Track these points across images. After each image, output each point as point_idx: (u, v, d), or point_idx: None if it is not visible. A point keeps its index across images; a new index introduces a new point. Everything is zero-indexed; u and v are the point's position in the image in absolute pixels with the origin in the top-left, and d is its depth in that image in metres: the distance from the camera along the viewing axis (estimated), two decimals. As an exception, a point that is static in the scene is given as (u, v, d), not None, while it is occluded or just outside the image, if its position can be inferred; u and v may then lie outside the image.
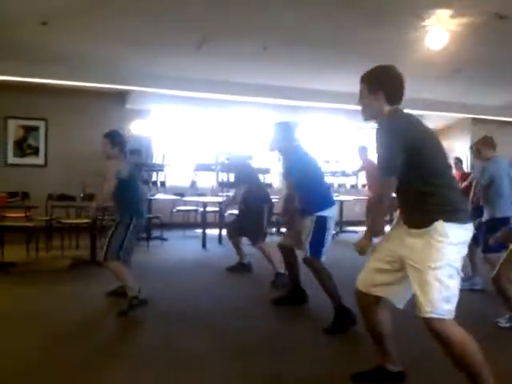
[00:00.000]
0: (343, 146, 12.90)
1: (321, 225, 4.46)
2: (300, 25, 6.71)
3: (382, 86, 2.82)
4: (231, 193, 8.02)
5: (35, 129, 10.36)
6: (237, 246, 6.64)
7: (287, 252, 4.93)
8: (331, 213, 4.58)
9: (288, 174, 4.73)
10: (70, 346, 3.78)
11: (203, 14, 6.36)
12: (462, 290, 2.66)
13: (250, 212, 6.37)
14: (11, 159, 10.24)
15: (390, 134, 2.71)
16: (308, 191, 4.56)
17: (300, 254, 4.67)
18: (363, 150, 9.36)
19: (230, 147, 9.82)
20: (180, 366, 3.41)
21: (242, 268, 6.59)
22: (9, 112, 10.03)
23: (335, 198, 10.77)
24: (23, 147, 10.34)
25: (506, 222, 5.09)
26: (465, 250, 2.68)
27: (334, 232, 10.26)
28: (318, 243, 4.44)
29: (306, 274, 4.82)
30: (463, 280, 5.15)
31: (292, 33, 7.04)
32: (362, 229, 10.01)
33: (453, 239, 2.60)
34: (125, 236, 4.72)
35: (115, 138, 5.01)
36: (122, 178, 4.80)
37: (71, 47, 7.97)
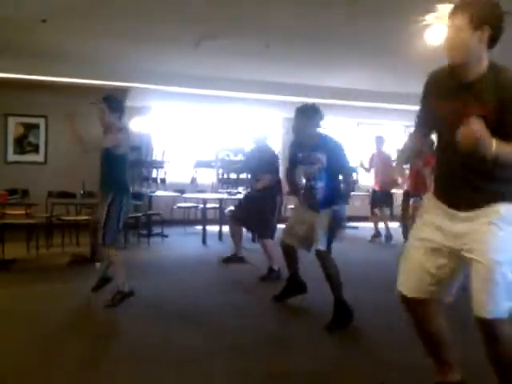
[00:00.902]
0: (343, 142, 12.87)
1: (340, 219, 4.31)
2: (301, 22, 6.70)
3: (489, 22, 2.22)
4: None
5: (35, 126, 10.36)
6: (236, 235, 6.55)
7: (289, 249, 4.66)
8: (344, 209, 4.42)
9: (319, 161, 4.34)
10: (69, 344, 3.78)
11: (204, 10, 6.36)
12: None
13: (261, 203, 6.04)
14: (11, 157, 10.24)
15: None
16: (334, 182, 4.33)
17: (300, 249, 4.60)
18: (380, 141, 9.23)
19: (231, 144, 9.84)
20: (180, 363, 3.41)
21: (236, 259, 6.59)
22: (9, 109, 10.02)
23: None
24: (23, 144, 10.34)
25: None
26: None
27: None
28: (332, 238, 4.27)
29: (304, 270, 4.82)
30: None
31: (294, 30, 7.05)
32: (362, 224, 10.05)
33: None
34: (119, 217, 4.58)
35: (114, 103, 4.68)
36: (121, 154, 4.64)
37: (71, 44, 7.97)
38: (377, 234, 9.42)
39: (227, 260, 6.66)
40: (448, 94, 2.36)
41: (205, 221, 8.83)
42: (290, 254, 4.71)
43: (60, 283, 5.53)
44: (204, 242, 8.57)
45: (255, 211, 6.09)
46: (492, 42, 2.26)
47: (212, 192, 10.15)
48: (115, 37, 7.57)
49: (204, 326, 4.23)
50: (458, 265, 2.40)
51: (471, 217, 2.30)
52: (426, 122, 2.56)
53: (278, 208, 6.23)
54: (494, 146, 2.10)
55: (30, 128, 10.35)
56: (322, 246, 4.20)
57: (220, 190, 9.87)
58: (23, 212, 7.94)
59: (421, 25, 6.63)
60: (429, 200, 2.53)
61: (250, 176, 6.73)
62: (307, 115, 4.41)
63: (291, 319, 4.48)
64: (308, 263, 4.63)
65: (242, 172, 8.67)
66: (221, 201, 9.20)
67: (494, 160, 2.14)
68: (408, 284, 2.49)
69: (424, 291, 2.46)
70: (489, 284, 2.22)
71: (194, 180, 10.62)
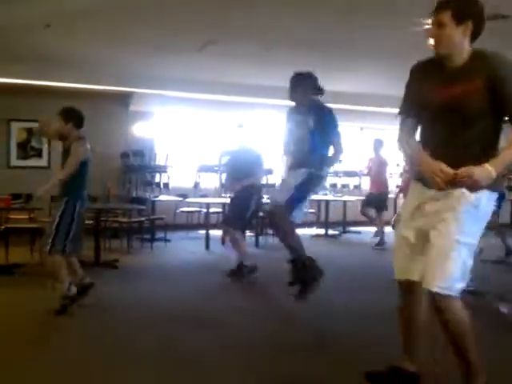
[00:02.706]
0: (346, 146, 12.87)
1: (313, 182, 4.27)
2: (303, 26, 6.71)
3: (471, 16, 2.42)
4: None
5: (39, 131, 10.37)
6: (234, 241, 6.49)
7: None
8: (327, 173, 4.47)
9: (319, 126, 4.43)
10: (74, 346, 3.79)
11: (206, 15, 6.37)
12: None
13: (239, 201, 6.28)
14: (14, 161, 10.26)
15: None
16: (320, 147, 4.36)
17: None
18: (378, 144, 9.29)
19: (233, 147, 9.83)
20: (182, 367, 3.42)
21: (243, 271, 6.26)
22: (12, 114, 10.04)
23: (339, 199, 10.86)
24: (26, 149, 10.37)
25: None
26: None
27: (337, 232, 10.11)
28: (297, 198, 4.21)
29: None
30: None
31: (296, 34, 7.05)
32: (365, 229, 10.04)
33: (481, 212, 2.45)
34: (70, 225, 4.59)
35: (68, 113, 4.83)
36: (82, 161, 4.70)
37: (75, 50, 7.99)
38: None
39: (233, 274, 6.20)
40: (435, 81, 2.54)
41: (208, 225, 8.84)
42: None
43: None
44: (207, 246, 8.58)
45: (233, 208, 6.38)
46: (474, 34, 2.46)
47: (215, 196, 10.15)
48: (118, 42, 7.59)
49: (207, 330, 4.23)
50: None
51: (445, 195, 2.43)
52: (412, 109, 2.67)
53: (255, 205, 6.32)
54: (492, 170, 2.28)
55: (33, 133, 10.37)
56: (280, 199, 4.17)
57: (223, 195, 9.87)
58: (27, 216, 7.95)
59: (424, 28, 6.65)
60: (412, 185, 2.72)
61: (231, 177, 6.70)
62: (296, 82, 4.56)
63: (297, 322, 4.47)
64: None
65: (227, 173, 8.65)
66: (224, 205, 9.20)
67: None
68: (399, 269, 2.69)
69: (409, 270, 2.62)
70: (447, 261, 2.38)
71: (197, 184, 10.65)
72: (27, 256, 7.04)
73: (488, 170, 2.27)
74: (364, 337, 4.01)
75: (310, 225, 11.24)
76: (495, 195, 2.51)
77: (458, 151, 2.46)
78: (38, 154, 10.41)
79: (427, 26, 6.55)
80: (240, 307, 4.94)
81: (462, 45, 2.46)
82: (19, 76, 9.20)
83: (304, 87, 4.52)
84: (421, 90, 2.59)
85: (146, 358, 3.54)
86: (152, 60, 8.70)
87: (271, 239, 6.94)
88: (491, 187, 2.41)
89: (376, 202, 9.13)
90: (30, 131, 10.26)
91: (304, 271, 4.15)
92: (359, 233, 10.57)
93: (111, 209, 8.77)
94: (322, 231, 10.81)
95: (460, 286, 2.43)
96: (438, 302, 2.43)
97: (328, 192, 11.37)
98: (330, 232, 10.76)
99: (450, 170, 2.33)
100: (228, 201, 8.66)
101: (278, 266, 5.86)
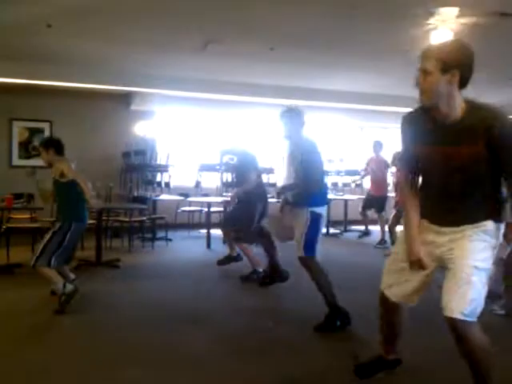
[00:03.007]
0: (347, 145, 12.89)
1: (316, 222, 4.34)
2: (305, 25, 6.71)
3: (458, 66, 2.34)
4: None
5: (40, 131, 10.38)
6: (228, 237, 6.54)
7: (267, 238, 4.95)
8: (324, 211, 4.49)
9: (296, 162, 4.44)
10: (76, 345, 3.80)
11: (208, 14, 6.37)
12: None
13: (242, 207, 6.15)
14: (16, 161, 10.27)
15: None
16: (310, 183, 4.36)
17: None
18: (378, 145, 9.34)
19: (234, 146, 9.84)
20: (183, 366, 3.43)
21: (229, 261, 6.55)
22: (14, 114, 10.05)
23: (340, 198, 10.85)
24: (28, 149, 10.37)
25: None
26: None
27: (339, 231, 10.18)
28: (312, 241, 4.33)
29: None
30: None
31: (298, 33, 7.05)
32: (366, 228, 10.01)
33: (495, 242, 2.51)
34: (61, 243, 4.77)
35: (46, 144, 5.17)
36: (65, 182, 4.93)
37: (76, 49, 8.00)
38: (366, 231, 10.02)
39: (221, 263, 6.59)
40: (429, 137, 2.49)
41: (209, 224, 8.84)
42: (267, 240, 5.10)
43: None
44: (208, 245, 8.58)
45: (235, 216, 6.25)
46: (463, 82, 2.38)
47: (216, 196, 10.15)
48: (120, 41, 7.60)
49: (208, 329, 4.24)
50: (434, 273, 2.66)
51: (457, 231, 2.51)
52: (411, 164, 2.70)
53: (260, 215, 6.11)
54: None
55: (35, 132, 10.38)
56: (301, 253, 4.30)
57: (224, 194, 9.88)
58: (28, 216, 7.96)
59: (425, 28, 6.65)
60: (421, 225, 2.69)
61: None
62: (285, 117, 4.57)
63: (296, 322, 4.47)
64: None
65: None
66: (225, 204, 9.20)
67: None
68: (395, 293, 2.79)
69: (404, 299, 2.78)
70: (466, 286, 2.41)
71: (198, 184, 10.64)
72: (28, 256, 7.03)
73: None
74: (365, 336, 4.01)
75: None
76: (502, 225, 2.55)
77: (457, 211, 2.53)
78: (40, 153, 10.40)
79: (430, 25, 6.57)
80: (241, 307, 4.95)
81: (449, 95, 2.37)
82: (21, 75, 9.20)
83: (297, 121, 4.57)
84: (414, 148, 2.60)
85: (146, 356, 3.55)
86: (153, 59, 8.70)
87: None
88: (497, 219, 2.50)
89: (375, 204, 9.24)
90: (31, 131, 10.30)
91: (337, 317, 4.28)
92: (367, 233, 10.47)
93: (112, 208, 8.77)
94: (323, 230, 10.79)
95: (478, 312, 2.45)
96: (460, 329, 2.42)
97: (329, 191, 11.36)
98: (332, 231, 10.76)
99: (426, 264, 2.58)
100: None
101: (285, 266, 5.88)
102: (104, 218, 7.87)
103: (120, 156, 10.38)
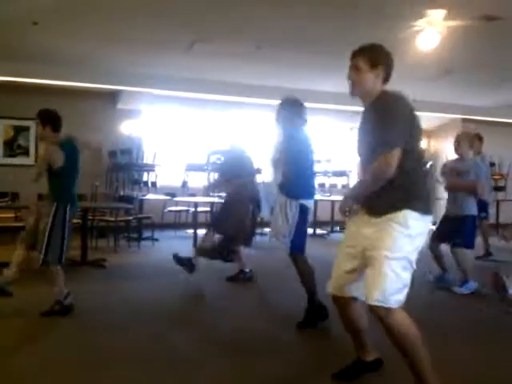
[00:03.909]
0: (335, 146, 12.91)
1: (304, 215, 4.31)
2: (292, 25, 6.72)
3: (382, 62, 2.79)
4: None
5: (25, 129, 10.31)
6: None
7: None
8: (312, 205, 4.49)
9: (287, 154, 4.43)
10: (64, 346, 3.77)
11: (195, 13, 6.36)
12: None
13: (232, 209, 5.98)
14: (1, 159, 10.19)
15: (400, 110, 2.68)
16: (301, 175, 4.37)
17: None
18: None
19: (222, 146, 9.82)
20: (169, 366, 3.41)
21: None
22: (-2, 112, 9.97)
23: (327, 198, 10.87)
24: (13, 147, 10.29)
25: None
26: (422, 242, 2.73)
27: (325, 232, 10.16)
28: (300, 237, 4.31)
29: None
30: (459, 286, 5.27)
31: (285, 32, 7.05)
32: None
33: (411, 231, 2.63)
34: (63, 233, 4.46)
35: (45, 116, 4.71)
36: (56, 168, 4.51)
37: (62, 47, 7.94)
38: None
39: (231, 279, 6.15)
40: (360, 122, 2.93)
41: (196, 224, 8.82)
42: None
43: (50, 286, 5.49)
44: (195, 245, 8.55)
45: (224, 213, 6.12)
46: (386, 78, 2.82)
47: (203, 196, 10.13)
48: (106, 40, 7.56)
49: (195, 329, 4.23)
50: (363, 265, 2.76)
51: (377, 221, 2.70)
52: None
53: (252, 216, 6.07)
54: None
55: (20, 131, 10.31)
56: (288, 249, 4.30)
57: (211, 194, 9.85)
58: (13, 215, 7.89)
59: (412, 30, 6.68)
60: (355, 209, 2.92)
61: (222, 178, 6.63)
62: (282, 108, 4.68)
63: (285, 322, 4.47)
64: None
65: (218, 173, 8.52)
66: (212, 204, 9.19)
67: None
68: (333, 286, 2.95)
69: (345, 290, 2.91)
70: (379, 276, 2.59)
71: (185, 183, 10.61)
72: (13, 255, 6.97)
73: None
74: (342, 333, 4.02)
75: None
76: (421, 215, 2.67)
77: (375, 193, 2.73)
78: (25, 152, 10.34)
79: (418, 28, 6.61)
80: (228, 307, 4.94)
81: (374, 86, 2.79)
82: (6, 73, 9.12)
83: (296, 112, 4.67)
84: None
85: (132, 357, 3.53)
86: (140, 58, 8.67)
87: (259, 238, 6.97)
88: (414, 207, 2.65)
89: None
90: (16, 129, 10.22)
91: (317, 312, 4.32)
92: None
93: (98, 207, 8.72)
94: (310, 231, 10.83)
95: (396, 297, 2.60)
96: (376, 313, 2.63)
97: (316, 191, 11.38)
98: (319, 232, 10.78)
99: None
100: (215, 200, 8.66)
101: (271, 266, 5.88)
102: (90, 217, 7.82)
103: (106, 155, 10.32)
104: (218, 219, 6.27)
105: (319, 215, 10.96)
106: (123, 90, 10.36)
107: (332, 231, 11.04)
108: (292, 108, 4.61)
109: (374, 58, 2.78)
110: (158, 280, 6.10)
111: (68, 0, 5.95)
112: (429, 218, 2.73)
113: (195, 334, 4.13)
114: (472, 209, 5.60)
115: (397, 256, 2.59)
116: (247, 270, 6.05)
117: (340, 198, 10.80)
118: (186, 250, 8.28)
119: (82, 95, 10.13)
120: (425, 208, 2.69)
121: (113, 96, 10.64)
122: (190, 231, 9.25)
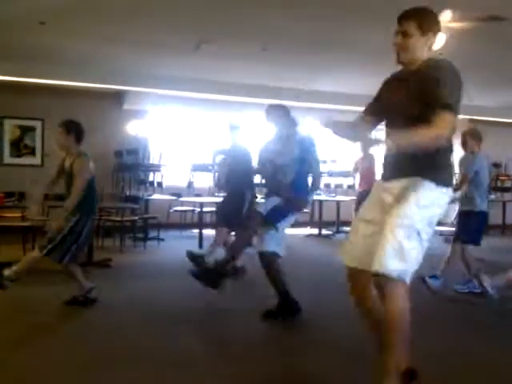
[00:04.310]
0: (340, 146, 12.88)
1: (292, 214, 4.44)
2: (298, 26, 6.72)
3: (433, 29, 2.65)
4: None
5: (32, 129, 10.35)
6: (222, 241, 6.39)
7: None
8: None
9: (290, 158, 4.47)
10: (68, 345, 3.78)
11: (201, 14, 6.37)
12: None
13: (233, 200, 6.19)
14: (7, 159, 10.24)
15: (457, 76, 2.56)
16: (302, 180, 4.47)
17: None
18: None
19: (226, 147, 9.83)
20: (175, 366, 3.41)
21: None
22: (5, 112, 10.01)
23: (333, 199, 10.85)
24: (20, 147, 10.33)
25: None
26: (437, 213, 2.62)
27: (331, 233, 10.07)
28: (280, 239, 4.39)
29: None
30: (461, 283, 5.23)
31: (291, 33, 7.05)
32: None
33: (422, 200, 2.53)
34: (79, 238, 4.59)
35: (71, 126, 4.75)
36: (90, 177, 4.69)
37: (69, 47, 7.97)
38: None
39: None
40: (395, 85, 2.76)
41: (201, 224, 8.83)
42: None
43: (56, 286, 5.51)
44: (200, 245, 8.56)
45: (226, 206, 6.31)
46: (434, 43, 2.69)
47: (209, 196, 10.14)
48: (113, 40, 7.58)
49: (199, 330, 4.24)
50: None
51: (393, 187, 2.62)
52: (375, 109, 2.91)
53: (248, 204, 6.12)
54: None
55: (27, 131, 10.35)
56: (266, 250, 4.33)
57: (217, 194, 9.87)
58: (19, 215, 7.91)
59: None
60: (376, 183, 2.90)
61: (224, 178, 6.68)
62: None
63: (285, 322, 4.47)
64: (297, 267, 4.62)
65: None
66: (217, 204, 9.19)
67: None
68: (349, 255, 2.79)
69: (365, 259, 2.62)
70: (384, 241, 2.48)
71: (190, 184, 10.63)
72: (20, 255, 6.99)
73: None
74: (362, 336, 4.02)
75: (303, 225, 11.26)
76: (442, 188, 2.59)
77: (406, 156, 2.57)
78: (31, 151, 10.38)
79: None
80: (234, 307, 4.93)
81: (422, 54, 2.64)
82: (12, 73, 9.17)
83: (287, 116, 4.85)
84: (381, 96, 2.85)
85: (138, 357, 3.53)
86: (146, 58, 8.69)
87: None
88: (438, 180, 2.55)
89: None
90: (22, 129, 10.27)
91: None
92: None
93: (104, 207, 8.73)
94: (315, 231, 10.83)
95: (396, 266, 2.45)
96: (376, 282, 2.55)
97: (321, 192, 11.39)
98: (324, 232, 10.77)
99: None
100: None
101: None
102: (96, 217, 7.83)
103: (112, 155, 10.35)
104: (221, 215, 6.45)
105: (324, 216, 10.97)
106: (129, 90, 10.39)
107: (338, 232, 11.02)
108: (284, 114, 4.82)
109: (425, 23, 2.62)
110: (163, 280, 6.11)
111: (75, 0, 5.97)
112: (449, 191, 2.63)
113: (199, 333, 4.14)
114: (483, 205, 5.56)
115: (403, 223, 2.49)
116: (238, 265, 6.00)
117: (345, 198, 10.80)
118: (193, 249, 8.31)
119: (88, 95, 10.16)
120: (446, 180, 2.61)
121: (119, 96, 10.67)
122: (196, 231, 9.26)
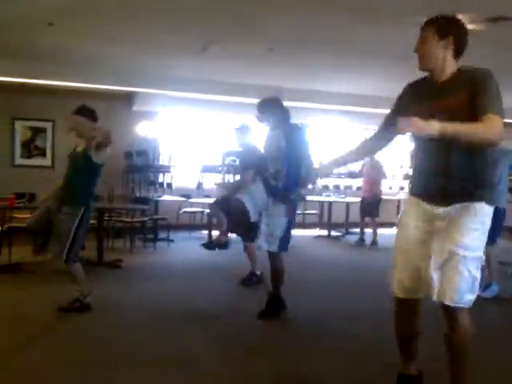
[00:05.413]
0: (349, 147, 12.87)
1: (295, 210, 4.46)
2: (305, 27, 6.71)
3: (452, 32, 2.56)
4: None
5: (42, 130, 10.42)
6: (216, 215, 6.45)
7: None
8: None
9: (281, 149, 4.45)
10: (76, 345, 3.80)
11: (210, 15, 6.38)
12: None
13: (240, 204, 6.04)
14: (18, 160, 10.31)
15: (497, 83, 2.49)
16: (295, 171, 4.38)
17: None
18: None
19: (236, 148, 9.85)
20: (184, 366, 3.43)
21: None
22: (16, 113, 10.08)
23: (342, 200, 10.83)
24: (30, 148, 10.40)
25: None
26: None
27: (340, 234, 10.04)
28: (287, 237, 4.40)
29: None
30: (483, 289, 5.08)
31: (297, 35, 7.05)
32: (368, 231, 9.97)
33: (481, 226, 2.51)
34: (80, 231, 4.50)
35: (80, 108, 4.75)
36: (100, 164, 4.64)
37: (78, 48, 8.01)
38: (362, 239, 9.75)
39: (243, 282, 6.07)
40: (422, 97, 2.64)
41: (210, 226, 8.84)
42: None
43: (66, 286, 5.54)
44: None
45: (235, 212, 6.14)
46: (457, 51, 2.60)
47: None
48: (122, 41, 7.60)
49: (208, 330, 4.25)
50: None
51: (447, 212, 2.53)
52: (389, 120, 2.81)
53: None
54: (438, 126, 2.29)
55: (37, 132, 10.42)
56: (275, 248, 4.38)
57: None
58: (30, 215, 7.95)
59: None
60: (408, 202, 2.77)
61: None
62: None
63: (293, 323, 4.48)
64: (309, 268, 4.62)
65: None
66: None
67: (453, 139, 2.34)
68: (400, 286, 2.70)
69: (415, 291, 2.67)
70: (456, 275, 2.46)
71: (200, 185, 10.65)
72: (30, 255, 7.05)
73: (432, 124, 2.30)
74: (364, 337, 4.02)
75: (312, 226, 11.27)
76: (491, 209, 2.57)
77: (447, 170, 2.53)
78: (42, 153, 10.45)
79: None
80: (242, 308, 4.95)
81: (444, 60, 2.57)
82: (23, 75, 9.22)
83: (277, 108, 4.86)
84: (406, 109, 2.64)
85: (146, 357, 3.55)
86: (155, 60, 8.71)
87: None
88: (488, 200, 2.53)
89: (370, 207, 9.39)
90: (33, 130, 10.33)
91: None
92: (363, 240, 10.49)
93: (114, 208, 8.78)
94: (324, 232, 10.83)
95: (469, 297, 2.50)
96: (450, 313, 2.53)
97: (331, 193, 11.40)
98: (333, 233, 10.76)
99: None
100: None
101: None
102: (106, 218, 7.89)
103: (122, 156, 10.40)
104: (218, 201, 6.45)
105: (333, 217, 10.96)
106: (139, 91, 10.43)
107: (347, 233, 11.01)
108: (273, 106, 4.83)
109: (442, 27, 2.56)
110: (172, 280, 6.13)
111: (84, 1, 6.00)
112: (492, 209, 2.58)
113: (208, 334, 4.15)
114: (501, 200, 5.21)
115: (474, 256, 2.49)
116: (258, 273, 6.00)
117: (354, 199, 10.73)
118: (201, 251, 8.33)
119: (98, 97, 10.18)
120: (495, 199, 2.60)
121: (129, 98, 10.71)
122: (205, 232, 9.28)
